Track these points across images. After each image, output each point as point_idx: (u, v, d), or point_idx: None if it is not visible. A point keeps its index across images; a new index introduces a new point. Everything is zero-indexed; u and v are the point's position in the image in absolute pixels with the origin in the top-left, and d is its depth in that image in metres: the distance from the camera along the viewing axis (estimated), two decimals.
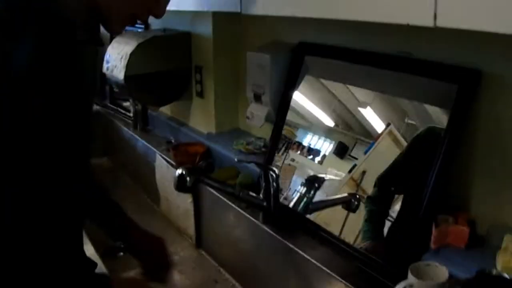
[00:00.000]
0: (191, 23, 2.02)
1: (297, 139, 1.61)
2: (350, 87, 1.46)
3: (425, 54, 1.20)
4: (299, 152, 1.60)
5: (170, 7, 1.10)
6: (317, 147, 1.55)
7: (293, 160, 1.61)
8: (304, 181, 1.50)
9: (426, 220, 1.16)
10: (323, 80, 1.54)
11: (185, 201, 1.86)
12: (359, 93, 1.44)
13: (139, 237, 1.35)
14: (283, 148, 1.62)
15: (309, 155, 1.57)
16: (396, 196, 1.29)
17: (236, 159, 1.57)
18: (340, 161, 1.47)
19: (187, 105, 2.16)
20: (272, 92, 1.59)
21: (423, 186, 1.17)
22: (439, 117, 1.21)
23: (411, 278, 1.05)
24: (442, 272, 1.06)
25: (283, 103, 1.59)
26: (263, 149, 1.74)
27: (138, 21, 1.06)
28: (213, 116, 1.98)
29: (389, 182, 1.31)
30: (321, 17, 0.97)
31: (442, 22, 0.77)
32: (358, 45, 1.38)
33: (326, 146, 1.53)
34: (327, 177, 1.48)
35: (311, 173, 1.52)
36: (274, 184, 1.44)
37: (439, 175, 1.15)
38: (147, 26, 2.32)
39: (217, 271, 1.73)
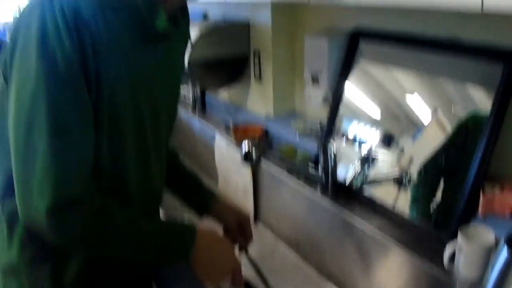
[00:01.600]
0: (250, 11, 2.13)
1: (342, 129, 1.69)
2: (398, 75, 1.52)
3: (473, 38, 1.28)
4: (344, 142, 1.67)
5: None
6: (363, 136, 1.61)
7: (338, 149, 1.68)
8: (359, 159, 1.60)
9: (474, 188, 1.24)
10: (371, 68, 1.61)
11: (244, 178, 1.97)
12: (406, 81, 1.50)
13: (225, 210, 1.47)
14: None
15: (355, 145, 1.63)
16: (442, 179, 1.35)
17: (297, 135, 1.67)
18: (387, 150, 1.53)
19: (245, 89, 2.28)
20: (329, 75, 1.69)
21: (470, 161, 1.24)
22: (483, 102, 1.26)
23: (460, 240, 1.14)
24: (489, 235, 1.14)
25: (338, 85, 1.69)
26: (320, 131, 1.83)
27: None
28: (271, 99, 2.09)
29: (433, 167, 1.38)
30: (378, 5, 1.06)
31: (488, 8, 0.84)
32: (409, 31, 1.46)
33: (372, 135, 1.58)
34: (379, 156, 1.57)
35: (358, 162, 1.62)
36: (332, 161, 1.54)
37: (487, 145, 1.22)
38: (205, 16, 2.44)
39: (275, 244, 1.85)
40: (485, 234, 1.15)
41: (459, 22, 1.23)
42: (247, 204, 2.00)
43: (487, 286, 0.86)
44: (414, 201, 1.41)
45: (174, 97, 1.31)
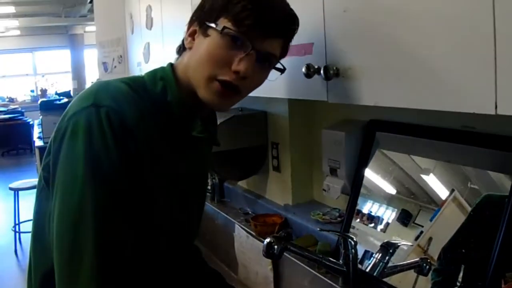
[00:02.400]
0: (266, 103, 2.22)
1: (357, 207, 1.72)
2: (414, 158, 1.56)
3: (487, 128, 1.33)
4: (358, 220, 1.70)
5: (261, 94, 1.28)
6: (378, 214, 1.63)
7: (353, 227, 1.70)
8: (379, 247, 1.62)
9: (495, 278, 1.23)
10: (388, 154, 1.66)
11: (264, 268, 1.99)
12: (420, 160, 1.54)
13: None
14: None
15: (370, 223, 1.66)
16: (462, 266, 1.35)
17: (317, 228, 1.71)
18: (404, 229, 1.54)
19: (263, 178, 2.33)
20: (347, 166, 1.74)
21: (490, 248, 1.24)
22: (502, 181, 1.29)
23: None
24: None
25: (357, 176, 1.73)
26: (338, 219, 1.87)
27: (226, 83, 1.11)
28: (289, 189, 2.13)
29: (453, 252, 1.38)
30: (394, 106, 1.12)
31: (502, 111, 0.88)
32: (424, 121, 1.52)
33: (388, 214, 1.60)
34: (401, 243, 1.59)
35: (374, 241, 1.63)
36: (353, 251, 1.56)
37: (505, 237, 1.23)
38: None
39: None
40: None
41: (472, 117, 1.28)
42: None
43: None
44: (434, 284, 1.40)
45: (203, 190, 1.39)
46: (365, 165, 1.71)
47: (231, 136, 2.18)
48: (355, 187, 1.74)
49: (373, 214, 1.66)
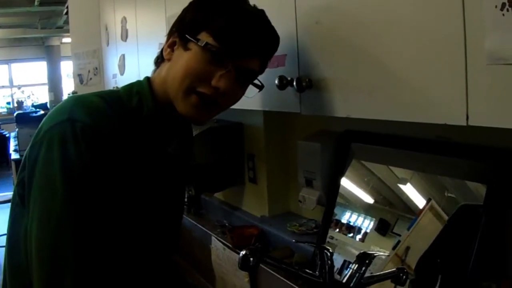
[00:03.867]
0: (242, 115, 2.21)
1: (335, 217, 1.71)
2: (391, 168, 1.56)
3: (463, 138, 1.34)
4: (337, 230, 1.68)
5: (236, 106, 1.27)
6: (357, 224, 1.63)
7: (332, 237, 1.69)
8: (355, 258, 1.61)
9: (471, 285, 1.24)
10: (364, 164, 1.66)
11: (241, 280, 1.97)
12: (397, 169, 1.54)
13: None
14: None
15: (349, 232, 1.65)
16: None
17: (293, 240, 1.70)
18: (383, 238, 1.54)
19: (240, 190, 2.32)
20: (323, 177, 1.73)
21: (466, 258, 1.24)
22: (478, 190, 1.29)
23: None
24: None
25: (332, 187, 1.73)
26: (314, 230, 1.87)
27: (204, 96, 1.11)
28: (266, 200, 2.13)
29: (429, 263, 1.38)
30: (365, 117, 1.12)
31: (473, 122, 0.88)
32: (400, 131, 1.53)
33: (366, 223, 1.60)
34: (377, 253, 1.59)
35: (352, 251, 1.63)
36: (329, 262, 1.56)
37: (480, 246, 1.23)
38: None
39: None
40: None
41: (447, 127, 1.29)
42: None
43: None
44: None
45: (180, 204, 1.38)
46: (340, 175, 1.71)
47: (207, 148, 2.17)
48: (330, 198, 1.73)
49: (351, 224, 1.66)
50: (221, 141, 2.23)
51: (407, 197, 1.50)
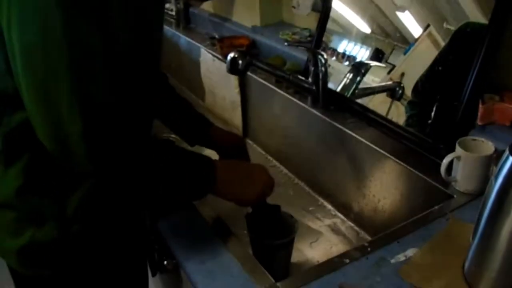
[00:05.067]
0: None
1: (332, 45, 1.63)
2: None
3: None
4: (334, 58, 1.62)
5: None
6: (353, 53, 1.56)
7: (329, 65, 1.61)
8: (351, 67, 1.53)
9: (472, 99, 1.19)
10: None
11: (231, 92, 1.90)
12: None
13: (219, 136, 1.38)
14: None
15: (345, 61, 1.59)
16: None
17: (286, 44, 1.60)
18: (378, 67, 1.48)
19: None
20: None
21: (468, 71, 1.18)
22: (479, 20, 1.20)
23: (458, 151, 1.10)
24: (488, 146, 1.11)
25: None
26: (308, 39, 1.76)
27: None
28: (257, 8, 2.00)
29: (429, 82, 1.33)
30: None
31: None
32: None
33: (362, 53, 1.54)
34: (372, 63, 1.51)
35: None
36: (323, 68, 1.47)
37: (485, 57, 1.16)
38: None
39: (265, 159, 1.80)
40: (483, 144, 1.12)
41: None
42: (235, 119, 1.95)
43: (490, 196, 0.81)
44: (410, 117, 1.37)
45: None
46: None
47: None
48: (326, 1, 1.60)
49: (347, 53, 1.59)
50: None
51: (404, 26, 1.42)
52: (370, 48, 1.52)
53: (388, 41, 1.46)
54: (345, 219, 1.47)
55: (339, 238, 1.41)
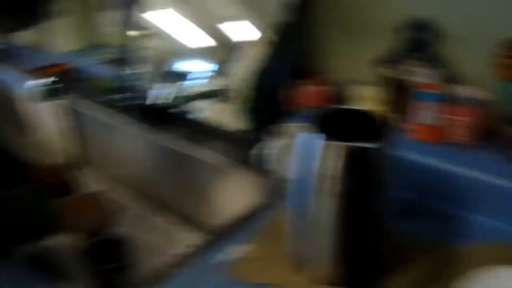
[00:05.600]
0: None
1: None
2: None
3: None
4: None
5: None
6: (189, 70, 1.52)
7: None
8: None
9: (281, 87, 1.25)
10: None
11: (58, 122, 1.82)
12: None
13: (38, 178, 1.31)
14: None
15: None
16: None
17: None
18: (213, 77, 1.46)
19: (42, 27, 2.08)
20: None
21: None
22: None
23: (267, 138, 1.14)
24: (295, 128, 1.13)
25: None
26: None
27: None
28: (72, 33, 1.98)
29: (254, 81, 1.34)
30: None
31: None
32: None
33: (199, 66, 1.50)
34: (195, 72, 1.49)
35: None
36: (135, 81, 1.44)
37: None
38: None
39: (107, 185, 1.72)
40: (296, 129, 1.14)
41: None
42: (67, 149, 1.87)
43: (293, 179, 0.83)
44: (246, 117, 1.38)
45: None
46: None
47: None
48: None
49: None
50: None
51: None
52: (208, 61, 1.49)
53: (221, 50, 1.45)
54: (192, 231, 1.46)
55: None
